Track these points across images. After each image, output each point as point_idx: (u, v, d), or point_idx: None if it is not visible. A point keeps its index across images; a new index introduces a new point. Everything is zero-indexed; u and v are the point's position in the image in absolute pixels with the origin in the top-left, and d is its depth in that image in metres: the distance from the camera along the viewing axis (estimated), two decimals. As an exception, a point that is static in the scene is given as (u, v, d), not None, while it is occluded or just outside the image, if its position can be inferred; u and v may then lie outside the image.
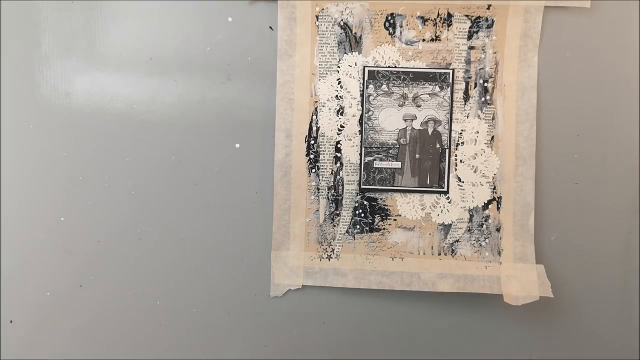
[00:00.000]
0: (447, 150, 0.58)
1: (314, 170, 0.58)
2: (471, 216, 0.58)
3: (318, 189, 0.58)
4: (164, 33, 0.58)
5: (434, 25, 0.57)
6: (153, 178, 0.59)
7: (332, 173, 0.58)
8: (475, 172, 0.58)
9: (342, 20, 0.57)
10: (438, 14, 0.57)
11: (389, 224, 0.59)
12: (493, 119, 0.58)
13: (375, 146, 0.58)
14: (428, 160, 0.58)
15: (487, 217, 0.58)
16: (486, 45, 0.57)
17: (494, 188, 0.58)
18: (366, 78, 0.57)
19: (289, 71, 0.57)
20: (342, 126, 0.58)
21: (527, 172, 0.58)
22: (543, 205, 0.58)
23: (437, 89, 0.57)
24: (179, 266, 0.60)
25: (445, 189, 0.58)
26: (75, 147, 0.59)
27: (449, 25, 0.57)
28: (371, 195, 0.58)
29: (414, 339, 0.61)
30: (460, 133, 0.58)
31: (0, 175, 0.59)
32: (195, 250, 0.60)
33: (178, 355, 0.61)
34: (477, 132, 0.58)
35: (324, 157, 0.58)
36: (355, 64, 0.57)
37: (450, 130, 0.58)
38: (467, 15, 0.57)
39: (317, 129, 0.58)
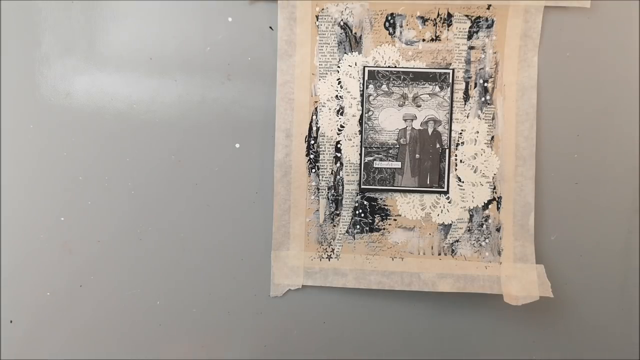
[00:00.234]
0: (447, 150, 0.58)
1: (314, 170, 0.58)
2: (471, 216, 0.58)
3: (318, 189, 0.58)
4: (164, 33, 0.58)
5: (434, 25, 0.57)
6: (153, 178, 0.59)
7: (332, 173, 0.58)
8: (475, 172, 0.58)
9: (342, 20, 0.57)
10: (438, 14, 0.57)
11: (389, 224, 0.59)
12: (493, 119, 0.58)
13: (375, 146, 0.58)
14: (428, 160, 0.58)
15: (487, 217, 0.58)
16: (486, 45, 0.57)
17: (494, 188, 0.58)
18: (366, 78, 0.57)
19: (289, 71, 0.57)
20: (342, 126, 0.58)
21: (527, 172, 0.57)
22: (543, 205, 0.58)
23: (437, 89, 0.57)
24: (179, 266, 0.60)
25: (445, 189, 0.58)
26: (75, 147, 0.59)
27: (449, 25, 0.57)
28: (371, 195, 0.58)
29: (414, 339, 0.61)
30: (460, 133, 0.58)
31: (0, 175, 0.59)
32: (195, 250, 0.60)
33: (178, 355, 0.61)
34: (477, 132, 0.58)
35: (324, 157, 0.58)
36: (355, 64, 0.57)
37: (450, 130, 0.57)
38: (467, 15, 0.56)
39: (317, 129, 0.58)
